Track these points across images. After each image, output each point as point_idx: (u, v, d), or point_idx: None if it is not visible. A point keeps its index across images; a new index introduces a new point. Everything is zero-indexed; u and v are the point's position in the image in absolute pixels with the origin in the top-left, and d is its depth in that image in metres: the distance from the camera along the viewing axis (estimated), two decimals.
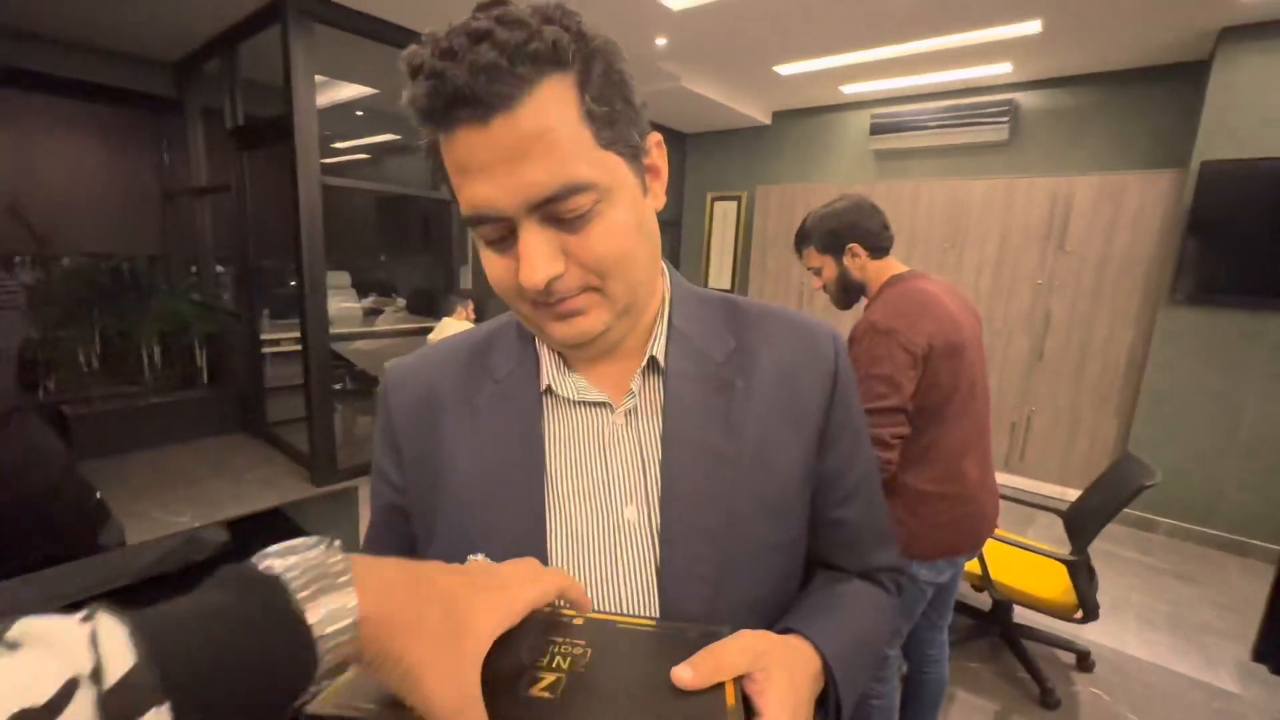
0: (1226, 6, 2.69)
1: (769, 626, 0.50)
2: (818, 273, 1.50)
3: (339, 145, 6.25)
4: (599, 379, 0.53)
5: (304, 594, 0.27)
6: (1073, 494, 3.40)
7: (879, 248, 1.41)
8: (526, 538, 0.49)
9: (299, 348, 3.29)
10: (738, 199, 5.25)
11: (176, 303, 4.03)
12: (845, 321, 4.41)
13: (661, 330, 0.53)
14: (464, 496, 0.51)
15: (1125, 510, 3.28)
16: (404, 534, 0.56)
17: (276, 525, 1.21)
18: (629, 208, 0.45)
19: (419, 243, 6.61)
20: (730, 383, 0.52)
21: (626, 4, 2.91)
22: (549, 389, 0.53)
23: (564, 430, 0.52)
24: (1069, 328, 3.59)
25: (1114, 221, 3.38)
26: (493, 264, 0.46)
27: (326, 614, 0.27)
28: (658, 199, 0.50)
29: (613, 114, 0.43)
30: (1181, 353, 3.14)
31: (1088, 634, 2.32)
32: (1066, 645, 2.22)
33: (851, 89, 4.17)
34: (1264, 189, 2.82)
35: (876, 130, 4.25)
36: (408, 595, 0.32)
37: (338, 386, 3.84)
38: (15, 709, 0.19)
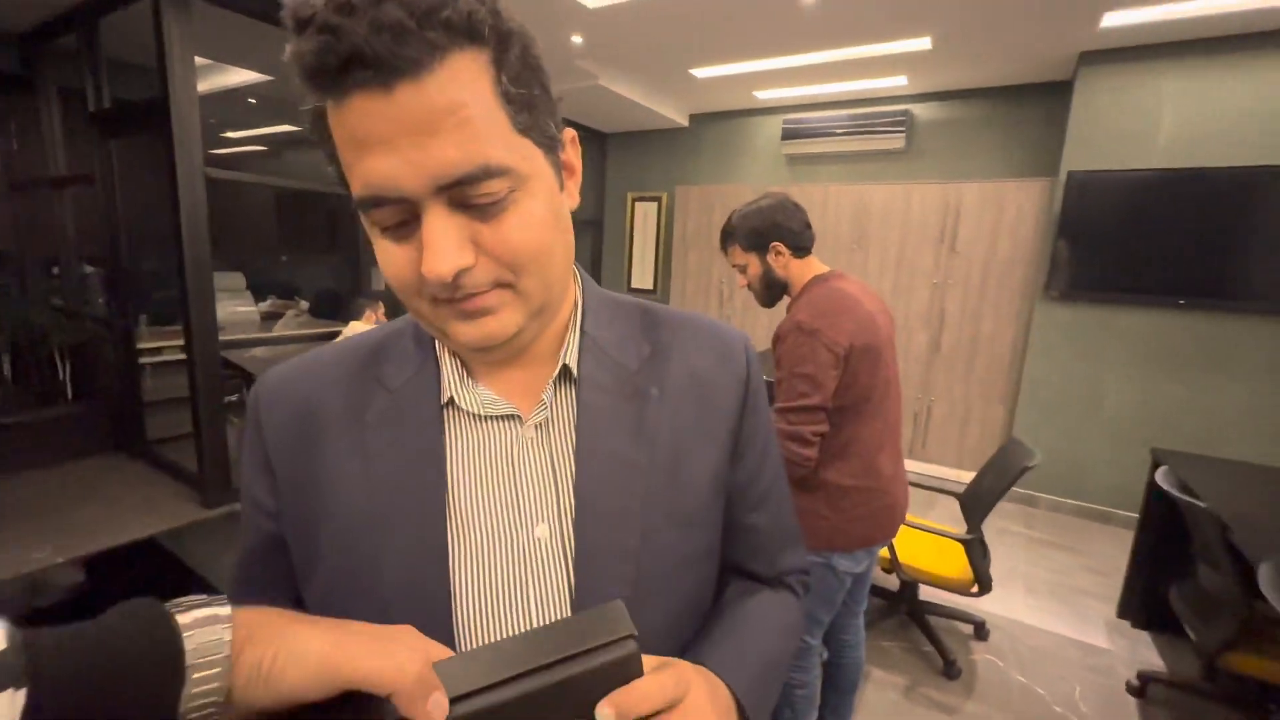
0: (1085, 32, 3.00)
1: (688, 638, 0.49)
2: (743, 270, 1.52)
3: (230, 135, 5.75)
4: (506, 389, 0.49)
5: (179, 606, 0.29)
6: (968, 476, 3.69)
7: (801, 247, 1.45)
8: (424, 566, 0.44)
9: (183, 357, 2.98)
10: (658, 199, 5.30)
11: (29, 309, 3.55)
12: (765, 320, 4.55)
13: (574, 337, 0.50)
14: (351, 523, 0.45)
15: (1012, 489, 3.61)
16: (283, 567, 0.49)
17: (151, 556, 1.08)
18: (546, 200, 0.41)
19: (325, 241, 6.19)
20: (644, 391, 0.50)
21: (541, 1, 2.86)
22: (451, 401, 0.48)
23: (468, 446, 0.47)
24: (961, 323, 3.90)
25: (997, 225, 3.70)
26: (389, 255, 0.40)
27: (199, 641, 0.29)
28: (572, 198, 0.47)
29: (530, 99, 0.39)
30: (1054, 344, 3.49)
31: (983, 605, 2.52)
32: (965, 617, 2.40)
33: (764, 94, 4.31)
34: (1119, 198, 3.18)
35: (788, 135, 4.42)
36: (288, 619, 0.34)
37: (232, 398, 3.53)
38: None
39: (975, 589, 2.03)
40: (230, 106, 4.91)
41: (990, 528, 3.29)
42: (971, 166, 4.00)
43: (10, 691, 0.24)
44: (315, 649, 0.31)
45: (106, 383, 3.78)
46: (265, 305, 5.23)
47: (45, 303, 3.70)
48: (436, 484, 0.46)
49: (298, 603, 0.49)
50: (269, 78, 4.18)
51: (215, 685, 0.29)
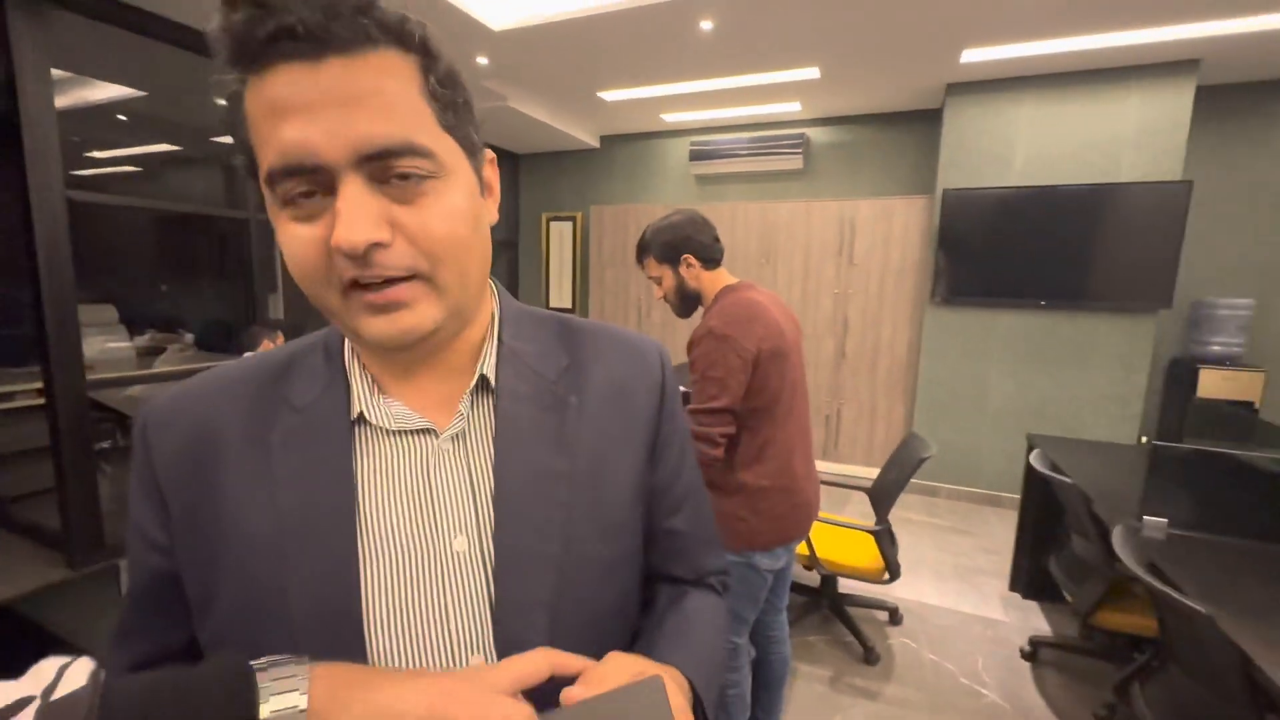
0: (949, 66, 3.36)
1: (610, 645, 0.49)
2: (658, 282, 1.58)
3: (97, 155, 5.22)
4: (420, 402, 0.47)
5: (261, 670, 0.30)
6: (877, 473, 3.95)
7: (711, 259, 1.52)
8: (333, 588, 0.42)
9: (42, 401, 2.65)
10: (573, 219, 5.33)
11: None
12: (683, 334, 4.67)
13: (491, 347, 0.50)
14: (254, 551, 0.43)
15: (915, 480, 3.85)
16: (178, 605, 0.45)
17: (6, 624, 0.95)
18: (466, 197, 0.42)
19: (213, 268, 5.72)
20: (564, 400, 0.50)
21: (447, 19, 2.83)
22: (361, 417, 0.46)
23: (379, 463, 0.46)
24: (863, 329, 4.18)
25: (888, 238, 4.02)
26: (295, 237, 0.38)
27: (277, 701, 0.29)
28: (491, 213, 0.47)
29: (454, 103, 0.41)
30: (944, 345, 3.82)
31: (896, 592, 2.68)
32: (880, 605, 2.54)
33: (671, 118, 4.47)
34: (986, 212, 3.56)
35: (695, 156, 4.61)
36: (365, 677, 0.33)
37: (105, 445, 3.17)
38: None
39: (886, 576, 2.16)
40: (97, 124, 4.47)
41: (897, 518, 3.52)
42: (863, 185, 4.33)
43: None
44: (412, 712, 0.31)
45: None
46: (143, 340, 4.74)
47: None
48: (346, 503, 0.44)
49: (192, 641, 0.46)
50: (142, 93, 3.86)
51: None
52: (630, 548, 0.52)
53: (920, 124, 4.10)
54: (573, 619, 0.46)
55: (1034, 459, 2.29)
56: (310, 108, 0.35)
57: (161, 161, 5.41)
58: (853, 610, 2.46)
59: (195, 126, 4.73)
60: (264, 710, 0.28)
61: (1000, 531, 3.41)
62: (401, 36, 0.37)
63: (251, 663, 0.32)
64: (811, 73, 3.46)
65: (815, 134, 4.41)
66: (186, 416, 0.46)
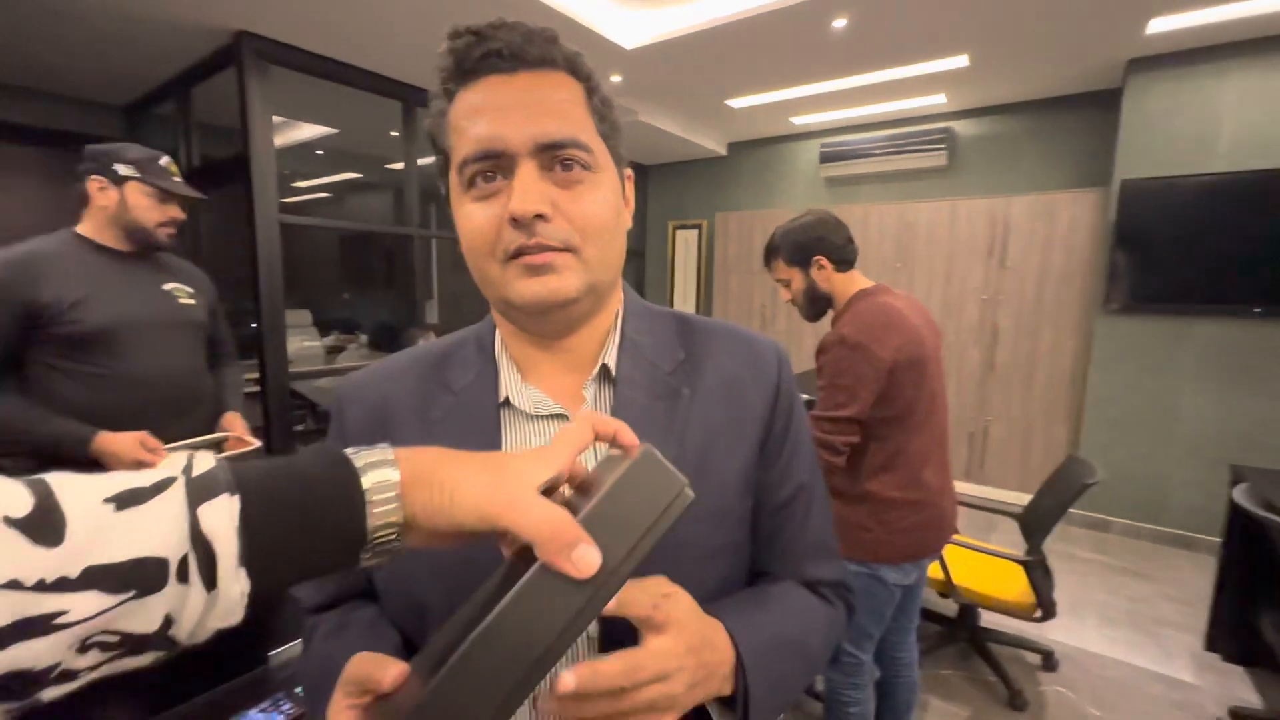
0: (1132, 41, 2.94)
1: None
2: (786, 285, 1.55)
3: (299, 185, 6.22)
4: (555, 391, 0.54)
5: (359, 463, 0.32)
6: (1029, 499, 3.52)
7: (844, 260, 1.48)
8: (479, 554, 0.48)
9: (258, 389, 3.21)
10: (698, 227, 5.39)
11: None
12: (809, 341, 4.52)
13: (614, 339, 0.55)
14: None
15: (1081, 512, 3.40)
16: None
17: None
18: (612, 193, 0.50)
19: (382, 279, 6.56)
20: (676, 391, 0.54)
21: (583, 41, 3.01)
22: (506, 401, 0.53)
23: (521, 443, 0.52)
24: (1015, 339, 3.77)
25: (1049, 238, 3.59)
26: (474, 215, 0.47)
27: (367, 458, 0.32)
28: (627, 219, 0.55)
29: (609, 119, 0.51)
30: (1119, 359, 3.32)
31: (1051, 634, 2.38)
32: (1031, 646, 2.27)
33: (800, 120, 4.37)
34: (1177, 205, 3.05)
35: (826, 158, 4.45)
36: (439, 455, 0.35)
37: (299, 427, 3.75)
38: (131, 487, 0.27)
39: (1038, 614, 1.93)
40: (300, 158, 5.33)
41: (1058, 553, 3.12)
42: (1018, 180, 3.91)
43: (226, 496, 0.28)
44: (472, 501, 0.33)
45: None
46: (329, 340, 5.56)
47: None
48: None
49: (370, 583, 0.56)
50: (335, 130, 4.54)
51: (393, 518, 0.32)
52: (734, 538, 0.54)
53: (1090, 109, 3.62)
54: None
55: (1240, 495, 1.92)
56: (503, 108, 0.45)
57: (346, 188, 6.33)
58: (996, 648, 2.23)
59: (373, 156, 5.47)
60: (365, 482, 0.32)
61: (1192, 579, 2.89)
62: (574, 64, 0.49)
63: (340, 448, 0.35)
64: (959, 61, 3.20)
65: (961, 127, 4.07)
66: (369, 393, 0.57)
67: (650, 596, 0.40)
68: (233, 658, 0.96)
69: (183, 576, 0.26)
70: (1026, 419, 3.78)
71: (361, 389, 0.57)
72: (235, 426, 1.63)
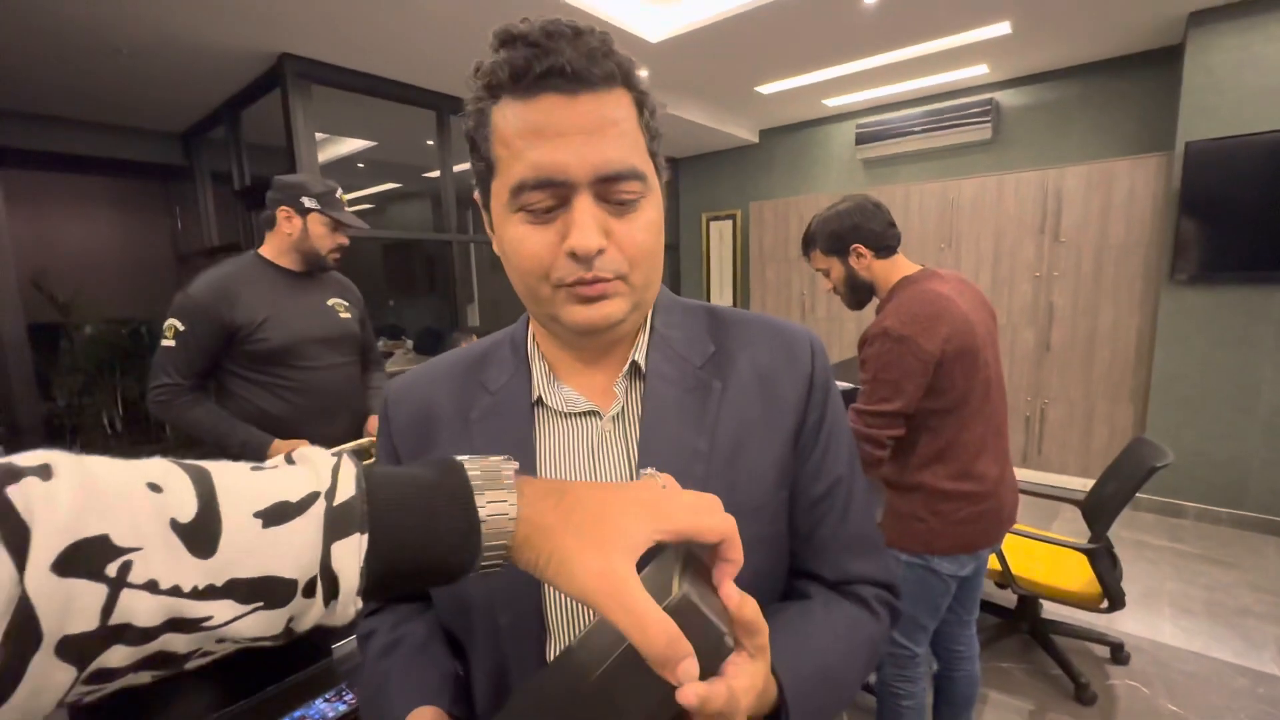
0: None
1: None
2: (826, 274, 1.51)
3: (342, 197, 6.43)
4: (589, 389, 0.54)
5: (476, 486, 0.34)
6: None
7: (884, 246, 1.42)
8: None
9: None
10: (732, 217, 5.33)
11: None
12: (852, 329, 4.42)
13: (644, 336, 0.55)
14: None
15: (1152, 496, 3.23)
16: None
17: None
18: (658, 210, 0.50)
19: (424, 285, 6.75)
20: (707, 384, 0.54)
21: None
22: (540, 400, 0.54)
23: (554, 440, 0.53)
24: (1073, 317, 3.58)
25: (1106, 208, 3.40)
26: (528, 239, 0.46)
27: (491, 508, 0.34)
28: None
29: (655, 133, 0.51)
30: (1189, 333, 3.12)
31: (1122, 625, 2.27)
32: (1099, 638, 2.17)
33: (833, 102, 4.26)
34: (1251, 164, 2.83)
35: (862, 140, 4.33)
36: (555, 503, 0.35)
37: None
38: (280, 499, 0.29)
39: (1105, 604, 1.84)
40: (342, 171, 5.53)
41: (1127, 541, 2.96)
42: (1069, 150, 3.71)
43: (357, 535, 0.30)
44: (578, 585, 0.33)
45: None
46: (378, 346, 5.74)
47: None
48: (528, 471, 0.51)
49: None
50: (374, 143, 4.69)
51: (499, 559, 0.34)
52: (768, 532, 0.53)
53: (1148, 69, 3.40)
54: None
55: None
56: (564, 134, 0.44)
57: (386, 198, 6.53)
58: (1061, 640, 2.13)
59: (411, 165, 5.63)
60: (481, 511, 0.33)
61: (1278, 566, 2.70)
62: (629, 78, 0.47)
63: (467, 468, 0.35)
64: (1001, 28, 3.06)
65: (1006, 98, 3.89)
66: (414, 395, 0.59)
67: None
68: (298, 651, 1.01)
69: (308, 593, 0.29)
70: (1087, 401, 3.59)
71: (407, 391, 0.60)
72: (373, 429, 1.80)
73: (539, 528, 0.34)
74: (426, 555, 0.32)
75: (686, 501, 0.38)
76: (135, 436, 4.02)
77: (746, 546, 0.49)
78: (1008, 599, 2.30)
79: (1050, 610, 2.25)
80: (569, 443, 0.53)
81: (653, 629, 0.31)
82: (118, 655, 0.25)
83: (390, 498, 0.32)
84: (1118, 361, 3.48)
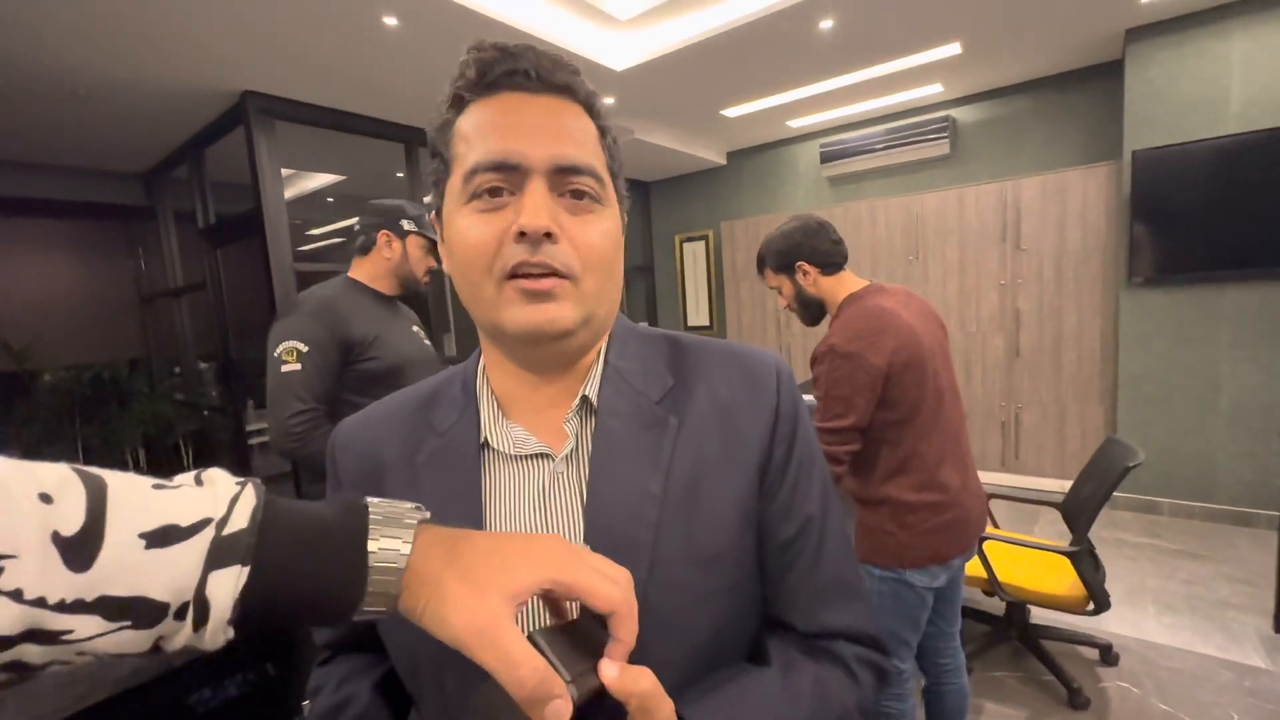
0: (1126, 11, 2.89)
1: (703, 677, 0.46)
2: (779, 291, 1.56)
3: (313, 232, 6.38)
4: (538, 426, 0.51)
5: (374, 528, 0.34)
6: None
7: (828, 264, 1.46)
8: None
9: None
10: (705, 237, 5.39)
11: (158, 404, 4.02)
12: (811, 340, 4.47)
13: (597, 368, 0.52)
14: None
15: (1127, 495, 3.29)
16: None
17: None
18: (615, 227, 0.50)
19: None
20: (663, 420, 0.49)
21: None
22: (486, 443, 0.50)
23: (502, 484, 0.49)
24: (1039, 322, 3.68)
25: (1063, 216, 3.52)
26: (475, 227, 0.45)
27: (382, 554, 0.33)
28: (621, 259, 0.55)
29: (616, 158, 0.51)
30: (1149, 333, 3.22)
31: (1108, 626, 2.29)
32: (1087, 640, 2.18)
33: (797, 123, 4.37)
34: (1195, 170, 2.97)
35: (826, 158, 4.44)
36: (445, 550, 0.35)
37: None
38: (169, 522, 0.29)
39: (1091, 606, 1.85)
40: (311, 207, 5.48)
41: (1107, 539, 3.00)
42: (1025, 161, 3.85)
43: (238, 568, 0.30)
44: (450, 624, 0.33)
45: (221, 464, 4.16)
46: None
47: (169, 397, 4.17)
48: (473, 523, 0.47)
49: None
50: (343, 177, 4.67)
51: (382, 609, 0.33)
52: (732, 580, 0.48)
53: (1092, 82, 3.56)
54: (660, 646, 0.43)
55: None
56: (523, 125, 0.45)
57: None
58: (1050, 645, 2.14)
59: (382, 198, 5.61)
60: (371, 545, 0.33)
61: (1253, 557, 2.76)
62: (591, 102, 0.49)
63: (370, 511, 0.35)
64: (952, 49, 3.18)
65: (961, 114, 4.03)
66: (361, 440, 0.55)
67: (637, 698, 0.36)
68: (269, 709, 0.96)
69: (179, 616, 0.29)
70: (1059, 403, 3.67)
71: (355, 434, 0.56)
72: None
73: (421, 575, 0.33)
74: (307, 593, 0.32)
75: (592, 562, 0.37)
76: None
77: (707, 597, 0.47)
78: (996, 606, 2.31)
79: (1038, 615, 2.25)
80: (517, 487, 0.49)
81: (522, 668, 0.31)
82: None
83: (282, 533, 0.32)
84: (1085, 363, 3.57)
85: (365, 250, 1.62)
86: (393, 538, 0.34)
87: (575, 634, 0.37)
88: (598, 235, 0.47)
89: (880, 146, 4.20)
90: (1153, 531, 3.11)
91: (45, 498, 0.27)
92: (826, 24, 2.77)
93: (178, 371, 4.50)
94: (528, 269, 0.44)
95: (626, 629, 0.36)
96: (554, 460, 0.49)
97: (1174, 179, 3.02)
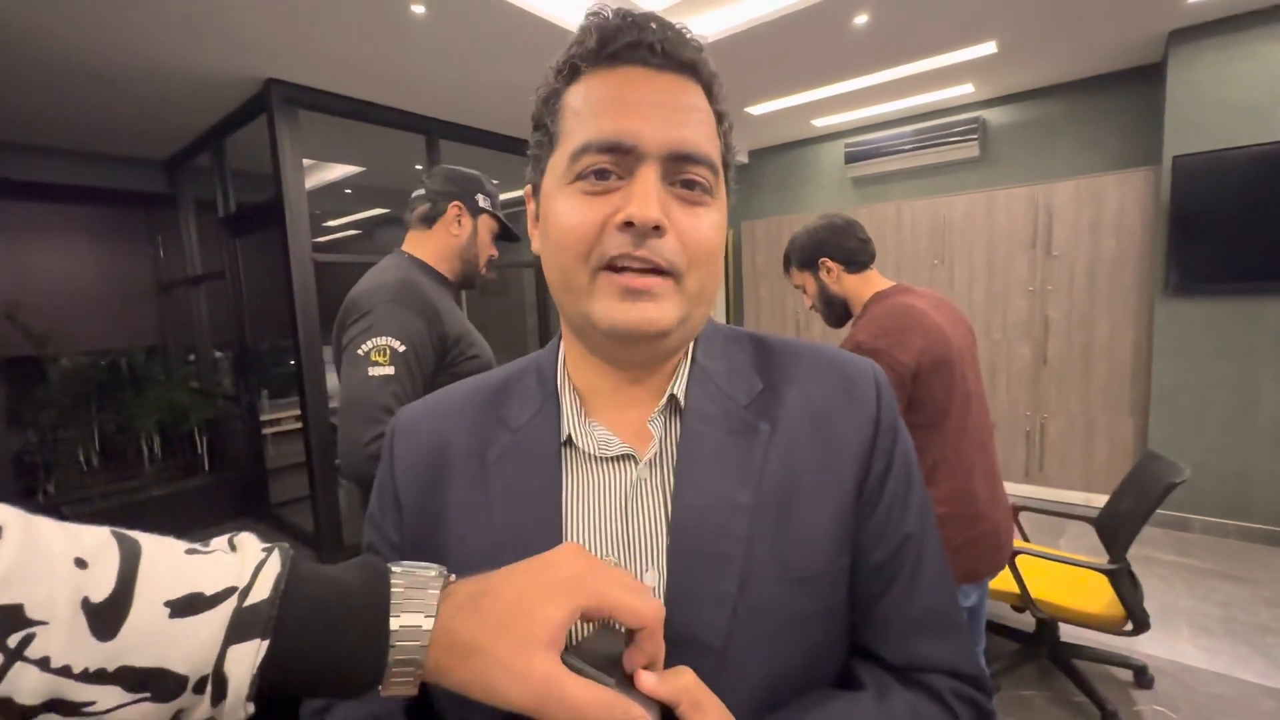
0: (1171, 12, 2.80)
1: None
2: (804, 290, 1.54)
3: (330, 224, 6.39)
4: (621, 427, 0.47)
5: (396, 602, 0.33)
6: (1099, 500, 3.31)
7: (853, 261, 1.44)
8: None
9: (300, 426, 3.26)
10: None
11: (174, 392, 4.02)
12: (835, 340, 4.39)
13: (685, 367, 0.49)
14: (470, 556, 0.44)
15: (1158, 511, 3.18)
16: None
17: None
18: (723, 222, 0.46)
19: None
20: (753, 426, 0.46)
21: None
22: (569, 441, 0.47)
23: (584, 487, 0.46)
24: (1069, 331, 3.58)
25: (1097, 222, 3.42)
26: (576, 209, 0.41)
27: (403, 628, 0.32)
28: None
29: (730, 150, 0.47)
30: (1186, 344, 3.12)
31: (1142, 647, 2.21)
32: (1121, 661, 2.10)
33: (822, 122, 4.29)
34: (1238, 177, 2.86)
35: (851, 158, 4.36)
36: (472, 609, 0.34)
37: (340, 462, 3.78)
38: (195, 590, 0.29)
39: (1129, 627, 1.78)
40: (330, 198, 5.48)
41: (1135, 556, 2.87)
42: (1057, 165, 3.75)
43: (257, 641, 0.29)
44: (513, 699, 0.32)
45: (236, 453, 4.18)
46: None
47: (185, 386, 4.18)
48: (553, 524, 0.45)
49: None
50: (362, 168, 4.65)
51: (408, 679, 0.33)
52: (826, 603, 0.45)
53: (1131, 86, 3.46)
54: (742, 671, 0.41)
55: None
56: (643, 104, 0.41)
57: (374, 223, 6.48)
58: (1082, 665, 2.06)
59: (399, 190, 5.60)
60: (393, 624, 0.32)
61: None
62: (712, 84, 0.45)
63: (393, 581, 0.34)
64: (986, 49, 3.09)
65: (992, 115, 3.94)
66: (425, 430, 0.51)
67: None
68: None
69: (198, 690, 0.28)
70: (1087, 414, 3.57)
71: (418, 424, 0.52)
72: None
73: (453, 644, 0.33)
74: (326, 668, 0.31)
75: (617, 577, 0.36)
76: (112, 473, 3.87)
77: (799, 620, 0.44)
78: (1025, 622, 2.23)
79: (1068, 633, 2.18)
80: (600, 490, 0.46)
81: (593, 710, 0.31)
82: None
83: (303, 604, 0.31)
84: (1115, 375, 3.47)
85: (429, 221, 1.32)
86: (415, 611, 0.33)
87: (602, 642, 0.37)
88: (707, 227, 0.43)
89: (907, 147, 4.11)
90: (1184, 550, 3.01)
91: (81, 562, 0.27)
92: (861, 20, 2.70)
93: (192, 359, 4.51)
94: (628, 262, 0.40)
95: (655, 643, 0.36)
96: (638, 463, 0.46)
97: (1215, 186, 2.92)
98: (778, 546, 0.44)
